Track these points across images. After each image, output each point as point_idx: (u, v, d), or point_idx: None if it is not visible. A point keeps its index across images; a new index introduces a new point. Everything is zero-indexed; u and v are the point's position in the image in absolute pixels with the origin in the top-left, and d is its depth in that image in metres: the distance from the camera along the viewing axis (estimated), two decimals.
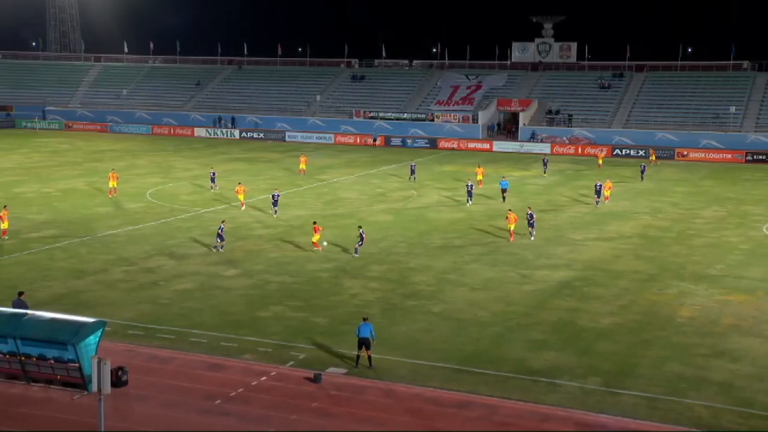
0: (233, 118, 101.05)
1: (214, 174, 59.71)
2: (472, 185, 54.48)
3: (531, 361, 26.14)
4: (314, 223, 41.00)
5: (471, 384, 24.31)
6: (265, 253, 40.01)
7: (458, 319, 30.37)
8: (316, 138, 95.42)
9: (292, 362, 25.83)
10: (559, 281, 35.78)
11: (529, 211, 44.73)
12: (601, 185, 54.35)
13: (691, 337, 28.58)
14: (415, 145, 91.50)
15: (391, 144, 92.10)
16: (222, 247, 40.06)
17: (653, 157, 78.32)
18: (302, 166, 67.84)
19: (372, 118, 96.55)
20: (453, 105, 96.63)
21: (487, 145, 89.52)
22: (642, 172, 66.21)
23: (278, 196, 49.59)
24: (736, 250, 41.84)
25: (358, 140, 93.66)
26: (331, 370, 25.17)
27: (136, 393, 23.29)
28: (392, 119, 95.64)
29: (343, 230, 45.52)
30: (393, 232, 45.58)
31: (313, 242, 40.36)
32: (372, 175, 68.56)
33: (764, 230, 46.69)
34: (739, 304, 32.51)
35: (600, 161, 74.16)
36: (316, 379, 24.09)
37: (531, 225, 43.86)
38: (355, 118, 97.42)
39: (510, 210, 45.67)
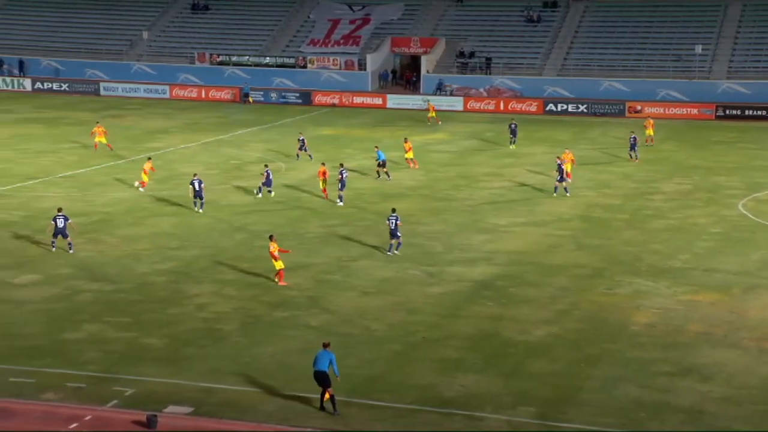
0: (21, 62, 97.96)
1: None
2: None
3: (443, 388, 26.45)
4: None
5: (363, 421, 24.41)
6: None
7: (345, 334, 30.42)
8: (144, 91, 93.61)
9: (115, 401, 25.42)
10: (478, 280, 36.31)
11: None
12: (561, 163, 51.13)
13: (650, 350, 29.52)
14: (282, 100, 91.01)
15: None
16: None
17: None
18: (99, 138, 62.22)
19: (222, 63, 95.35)
20: (332, 46, 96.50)
21: (378, 100, 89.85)
22: (632, 147, 61.25)
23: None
24: (705, 235, 43.47)
25: (204, 94, 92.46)
26: (172, 409, 24.88)
27: None
28: (250, 65, 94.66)
29: (184, 217, 44.95)
30: (253, 219, 45.34)
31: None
32: (224, 143, 67.87)
33: (740, 208, 48.71)
34: (709, 305, 33.78)
35: (651, 131, 66.46)
36: (149, 423, 23.79)
37: (562, 179, 50.49)
38: (198, 64, 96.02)
39: (323, 163, 50.69)
